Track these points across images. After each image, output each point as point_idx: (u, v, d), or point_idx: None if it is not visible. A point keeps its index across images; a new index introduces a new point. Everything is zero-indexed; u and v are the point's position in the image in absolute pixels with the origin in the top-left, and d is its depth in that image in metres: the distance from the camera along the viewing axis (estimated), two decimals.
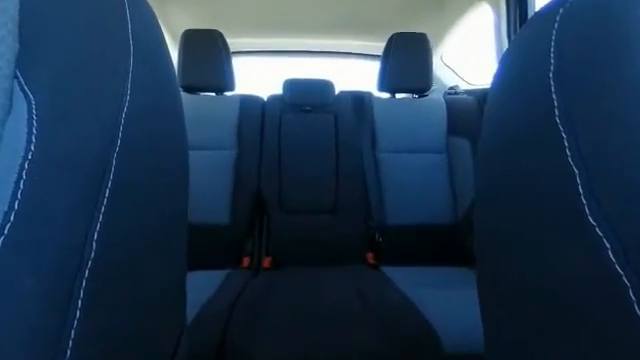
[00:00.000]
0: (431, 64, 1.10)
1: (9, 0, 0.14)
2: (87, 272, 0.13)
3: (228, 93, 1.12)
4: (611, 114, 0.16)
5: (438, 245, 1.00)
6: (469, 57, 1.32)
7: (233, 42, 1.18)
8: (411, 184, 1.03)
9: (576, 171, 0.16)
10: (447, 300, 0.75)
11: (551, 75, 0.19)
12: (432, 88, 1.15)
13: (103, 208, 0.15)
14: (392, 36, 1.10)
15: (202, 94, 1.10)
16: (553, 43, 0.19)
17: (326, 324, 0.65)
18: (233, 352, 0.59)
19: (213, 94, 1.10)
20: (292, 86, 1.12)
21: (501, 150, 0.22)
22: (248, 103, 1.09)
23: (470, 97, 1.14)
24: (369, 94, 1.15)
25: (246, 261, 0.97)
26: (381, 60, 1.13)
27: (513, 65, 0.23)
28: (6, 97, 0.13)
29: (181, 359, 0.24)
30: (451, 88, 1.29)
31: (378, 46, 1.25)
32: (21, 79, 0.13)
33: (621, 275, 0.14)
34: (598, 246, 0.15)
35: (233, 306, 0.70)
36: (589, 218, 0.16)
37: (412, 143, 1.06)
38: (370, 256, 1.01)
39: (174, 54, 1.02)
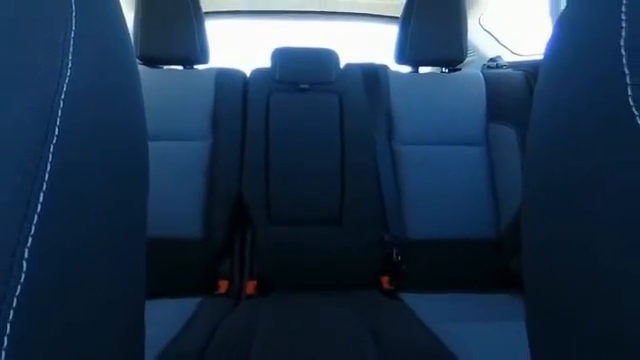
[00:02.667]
0: (466, 28, 0.93)
1: None
2: (15, 301, 0.11)
3: (200, 66, 0.95)
4: None
5: (474, 266, 0.86)
6: (516, 20, 1.15)
7: (206, 0, 0.99)
8: (439, 186, 0.87)
9: None
10: (485, 336, 0.64)
11: (622, 43, 0.16)
12: (467, 60, 0.98)
13: (36, 217, 0.12)
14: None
15: (166, 67, 0.93)
16: (625, 1, 0.17)
17: None
18: None
19: (180, 67, 0.94)
20: (284, 57, 0.93)
21: (559, 142, 0.19)
22: (226, 79, 0.92)
23: (517, 72, 0.99)
24: (385, 67, 0.98)
25: (224, 286, 0.83)
26: (400, 23, 0.95)
27: (573, 30, 0.20)
28: None
29: None
30: (492, 60, 1.12)
31: (394, 4, 1.06)
32: None
33: None
34: None
35: (204, 348, 0.60)
36: None
37: (440, 132, 0.91)
38: (385, 280, 0.87)
39: (129, 18, 0.87)
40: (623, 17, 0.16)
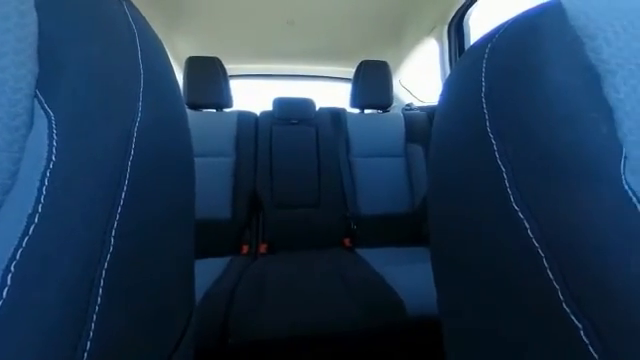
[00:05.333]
0: (392, 86, 1.20)
1: (28, 29, 0.14)
2: (106, 264, 0.13)
3: (227, 110, 1.17)
4: (527, 125, 0.17)
5: (400, 230, 1.08)
6: (421, 81, 1.43)
7: (230, 67, 1.24)
8: (378, 182, 1.11)
9: (503, 169, 0.18)
10: (409, 273, 0.79)
11: (483, 95, 0.20)
12: (393, 105, 1.24)
13: (120, 208, 0.15)
14: (361, 63, 1.20)
15: (204, 111, 1.15)
16: (484, 70, 0.20)
17: (312, 297, 0.67)
18: (236, 325, 0.59)
19: (214, 110, 1.15)
20: (280, 103, 1.19)
21: (446, 155, 0.23)
22: (244, 117, 1.15)
23: (422, 112, 1.24)
24: (343, 110, 1.23)
25: (245, 249, 1.02)
26: (352, 82, 1.22)
27: (454, 87, 0.24)
28: (27, 114, 0.13)
29: (190, 335, 0.24)
30: (407, 105, 1.40)
31: (349, 71, 1.33)
32: (41, 98, 0.13)
33: (537, 248, 0.16)
34: (520, 226, 0.16)
35: (235, 287, 0.71)
36: (513, 205, 0.17)
37: (378, 149, 1.15)
38: (347, 241, 1.07)
39: (179, 76, 1.11)
40: (483, 80, 0.20)
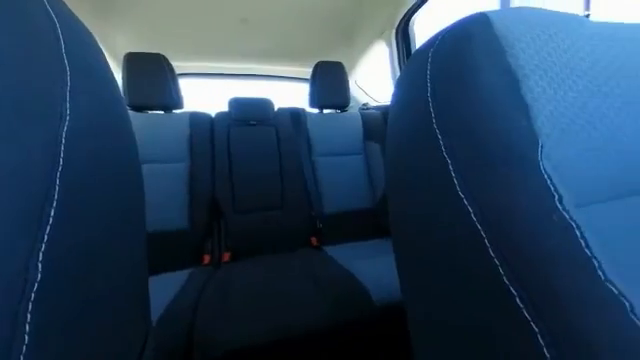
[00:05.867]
0: (348, 86, 1.22)
1: None
2: (33, 295, 0.12)
3: (177, 111, 1.08)
4: (466, 121, 0.20)
5: (364, 224, 1.11)
6: (376, 81, 1.48)
7: (179, 65, 1.15)
8: (340, 180, 1.13)
9: (449, 161, 0.19)
10: (374, 265, 0.81)
11: (429, 96, 0.21)
12: (350, 105, 1.27)
13: (48, 228, 0.13)
14: (317, 63, 1.20)
15: (150, 112, 1.05)
16: (428, 73, 0.22)
17: (282, 300, 0.66)
18: (203, 339, 0.56)
19: (161, 112, 1.06)
20: (237, 104, 1.14)
21: (400, 151, 0.25)
22: (197, 119, 1.08)
23: (377, 111, 1.28)
24: (303, 110, 1.23)
25: (207, 259, 0.96)
26: (310, 82, 1.22)
27: (404, 89, 0.25)
28: None
29: (149, 357, 0.22)
30: (364, 104, 1.45)
31: (307, 71, 1.34)
32: None
33: (480, 230, 0.17)
34: (465, 211, 0.18)
35: (198, 299, 0.68)
36: (459, 192, 0.19)
37: (338, 148, 1.17)
38: (314, 240, 1.07)
39: (117, 75, 0.99)
40: (428, 82, 0.22)
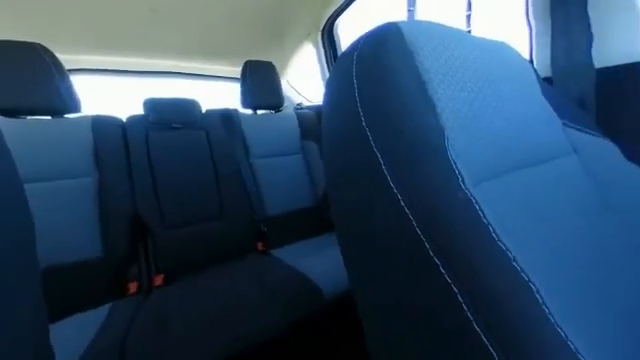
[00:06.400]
0: (280, 86, 1.21)
1: None
2: None
3: (72, 115, 0.89)
4: (389, 118, 0.22)
5: (308, 222, 1.12)
6: (308, 81, 1.50)
7: (71, 59, 0.95)
8: (280, 181, 1.12)
9: (379, 155, 0.22)
10: (321, 260, 0.83)
11: (356, 95, 0.23)
12: (285, 105, 1.26)
13: None
14: (246, 62, 1.16)
15: (31, 118, 0.84)
16: (354, 75, 0.24)
17: (230, 312, 0.63)
18: None
19: (48, 117, 0.86)
20: (155, 105, 1.01)
21: (336, 149, 0.26)
22: (103, 125, 0.92)
23: (312, 111, 1.31)
24: (236, 111, 1.18)
25: (134, 287, 0.84)
26: (241, 82, 1.17)
27: (334, 89, 0.27)
28: None
29: None
30: (298, 104, 1.46)
31: (236, 70, 1.27)
32: None
33: (408, 214, 0.20)
34: (395, 198, 0.20)
35: (126, 333, 0.60)
36: (390, 182, 0.21)
37: (276, 149, 1.15)
38: (260, 245, 1.04)
39: None
40: (354, 83, 0.23)
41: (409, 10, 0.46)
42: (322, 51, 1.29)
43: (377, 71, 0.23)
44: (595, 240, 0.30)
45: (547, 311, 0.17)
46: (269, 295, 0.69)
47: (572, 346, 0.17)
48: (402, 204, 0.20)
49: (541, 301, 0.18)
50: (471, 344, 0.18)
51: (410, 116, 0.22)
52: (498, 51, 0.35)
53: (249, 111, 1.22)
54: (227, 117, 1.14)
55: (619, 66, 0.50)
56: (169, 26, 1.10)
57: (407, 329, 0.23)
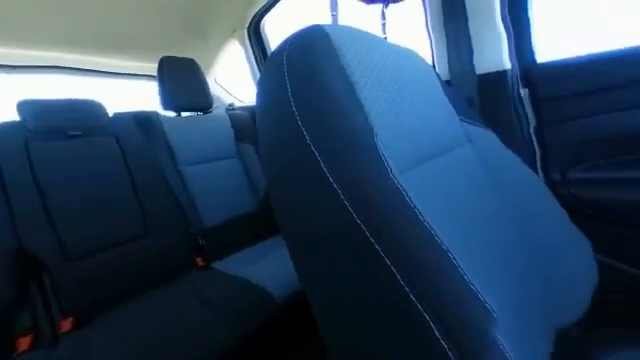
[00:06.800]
0: (207, 85, 1.13)
1: None
2: None
3: None
4: (323, 117, 0.23)
5: (252, 228, 1.07)
6: (239, 80, 1.43)
7: None
8: (217, 188, 1.04)
9: (317, 153, 0.22)
10: (270, 264, 0.82)
11: (290, 95, 0.24)
12: (215, 106, 1.19)
13: None
14: (162, 59, 1.04)
15: None
16: (286, 75, 0.24)
17: (165, 343, 0.58)
18: None
19: None
20: (36, 109, 0.81)
21: (274, 150, 0.27)
22: None
23: (245, 112, 1.27)
24: (156, 113, 1.05)
25: (25, 342, 0.66)
26: (158, 81, 1.05)
27: (266, 90, 0.27)
28: None
29: None
30: (230, 105, 1.39)
31: (150, 67, 1.14)
32: None
33: (347, 206, 0.21)
34: (337, 194, 0.22)
35: None
36: (329, 178, 0.22)
37: (209, 154, 1.07)
38: (199, 260, 0.95)
39: None
40: (287, 82, 0.24)
41: (332, 14, 0.48)
42: (250, 50, 1.25)
43: (307, 72, 0.24)
44: (487, 213, 0.38)
45: (462, 272, 0.21)
46: (214, 312, 0.65)
47: (481, 297, 0.21)
48: (342, 198, 0.21)
49: (457, 265, 0.21)
50: (412, 317, 0.20)
51: (343, 116, 0.23)
52: (408, 57, 0.40)
53: (172, 113, 1.10)
54: (144, 120, 1.00)
55: (490, 73, 0.64)
56: (57, 11, 0.90)
57: (359, 319, 0.24)
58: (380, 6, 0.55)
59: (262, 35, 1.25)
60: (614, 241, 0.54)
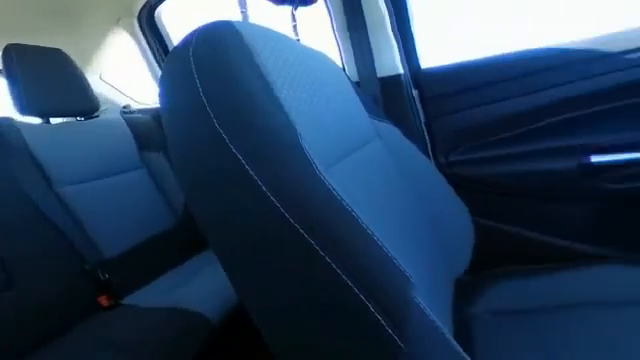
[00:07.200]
0: (87, 84, 0.93)
1: None
2: None
3: None
4: (241, 117, 0.22)
5: (172, 247, 0.95)
6: (135, 78, 1.25)
7: None
8: (118, 208, 0.88)
9: (239, 154, 0.21)
10: (199, 282, 0.76)
11: (202, 95, 0.22)
12: (104, 108, 1.01)
13: None
14: (7, 47, 0.80)
15: None
16: (195, 73, 0.23)
17: None
18: None
19: None
20: None
21: (189, 156, 0.25)
22: None
23: (147, 116, 1.10)
24: (9, 120, 0.80)
25: None
26: (5, 76, 0.81)
27: (173, 89, 0.26)
28: None
29: None
30: (125, 107, 1.18)
31: None
32: None
33: (279, 206, 0.21)
34: (265, 195, 0.21)
35: None
36: (257, 181, 0.21)
37: (103, 167, 0.89)
38: (104, 299, 0.78)
39: None
40: (196, 80, 0.22)
41: (242, 12, 0.47)
42: (144, 42, 1.09)
43: (219, 68, 0.23)
44: (397, 196, 0.44)
45: (386, 250, 0.24)
46: (131, 355, 0.58)
47: (402, 268, 0.24)
48: (272, 199, 0.21)
49: (381, 245, 0.24)
50: (350, 302, 0.21)
51: (262, 115, 0.23)
52: (320, 59, 0.42)
53: (37, 120, 0.87)
54: None
55: (389, 76, 0.75)
56: None
57: (301, 316, 0.24)
58: (289, 8, 0.55)
59: (159, 27, 1.10)
60: (486, 205, 0.72)
